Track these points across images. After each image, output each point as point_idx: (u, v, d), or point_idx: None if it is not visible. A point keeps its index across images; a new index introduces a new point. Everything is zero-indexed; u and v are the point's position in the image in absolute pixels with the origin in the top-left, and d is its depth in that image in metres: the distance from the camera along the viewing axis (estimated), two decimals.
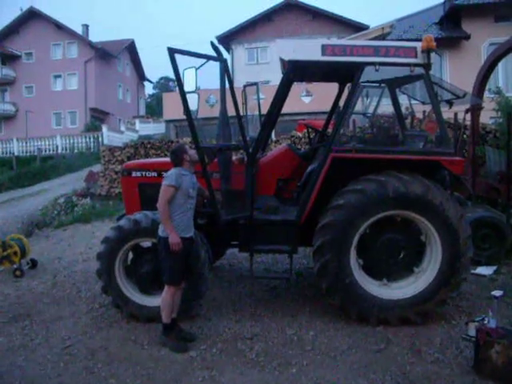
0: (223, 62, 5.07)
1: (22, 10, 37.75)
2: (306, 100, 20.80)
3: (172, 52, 4.45)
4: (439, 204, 4.77)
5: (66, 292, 6.56)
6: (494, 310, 4.02)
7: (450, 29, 20.59)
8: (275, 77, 16.08)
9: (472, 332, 4.09)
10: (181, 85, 4.60)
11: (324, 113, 14.48)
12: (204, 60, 4.80)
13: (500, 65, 9.43)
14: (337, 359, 4.35)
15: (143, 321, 5.16)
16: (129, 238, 5.09)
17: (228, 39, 31.46)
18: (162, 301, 4.59)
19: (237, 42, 31.53)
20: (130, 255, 5.33)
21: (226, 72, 5.06)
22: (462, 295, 5.61)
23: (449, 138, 5.03)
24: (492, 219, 7.11)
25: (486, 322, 4.09)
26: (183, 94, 4.58)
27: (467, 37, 19.82)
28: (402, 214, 4.95)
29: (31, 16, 37.41)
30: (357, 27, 29.33)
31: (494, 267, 6.73)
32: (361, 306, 4.92)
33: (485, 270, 6.59)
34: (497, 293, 4.12)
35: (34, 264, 7.98)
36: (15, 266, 7.56)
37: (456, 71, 19.01)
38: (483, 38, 19.54)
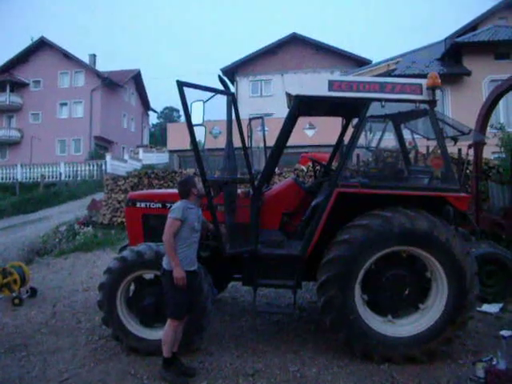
0: (231, 96, 5.14)
1: (32, 39, 38.66)
2: (309, 133, 21.00)
3: (181, 85, 4.51)
4: (445, 240, 4.74)
5: (65, 322, 6.46)
6: (503, 351, 3.94)
7: (452, 65, 21.02)
8: (279, 109, 16.30)
9: (480, 373, 4.00)
10: (188, 117, 4.64)
11: (326, 146, 14.66)
12: (212, 93, 4.87)
13: (501, 101, 9.54)
14: None
15: (143, 354, 5.05)
16: (132, 269, 5.04)
17: (232, 71, 32.04)
18: (164, 334, 4.51)
19: (241, 74, 32.11)
20: (132, 287, 5.27)
21: (233, 105, 5.12)
22: (467, 333, 5.49)
23: (454, 174, 5.04)
24: (497, 255, 7.03)
25: (494, 362, 4.00)
26: (191, 127, 4.62)
27: (468, 73, 20.21)
28: (407, 249, 4.91)
29: (41, 45, 38.23)
30: (359, 61, 29.99)
31: (500, 305, 6.62)
32: (365, 343, 4.83)
33: (491, 308, 6.48)
34: (505, 333, 4.05)
35: (33, 292, 7.89)
36: (14, 295, 7.48)
37: (458, 106, 19.28)
38: (484, 74, 19.92)
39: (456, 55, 20.96)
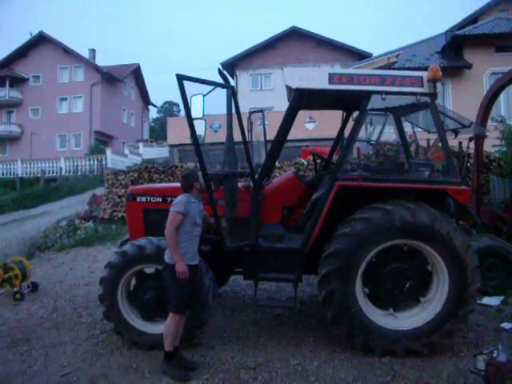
0: (231, 89, 5.11)
1: (31, 34, 38.49)
2: (310, 126, 20.95)
3: (180, 79, 4.49)
4: (446, 233, 4.72)
5: (66, 317, 6.46)
6: (503, 344, 3.94)
7: (452, 58, 20.95)
8: (279, 103, 16.28)
9: (481, 365, 4.00)
10: (188, 111, 4.62)
11: (326, 139, 14.62)
12: (212, 87, 4.84)
13: (502, 94, 9.49)
14: None
15: (145, 348, 5.07)
16: (133, 263, 5.03)
17: (232, 65, 31.92)
18: (165, 328, 4.51)
19: (241, 68, 32.01)
20: (133, 281, 5.27)
21: (233, 99, 5.09)
22: (468, 326, 5.49)
23: (455, 167, 5.02)
24: (498, 248, 7.04)
25: (494, 355, 4.00)
26: (190, 121, 4.60)
27: (469, 66, 20.14)
28: (408, 243, 4.90)
29: (40, 40, 38.10)
30: (360, 55, 29.90)
31: (501, 297, 6.63)
32: (366, 337, 4.83)
33: (491, 301, 6.48)
34: (506, 325, 4.04)
35: (34, 287, 7.90)
36: (15, 289, 7.48)
37: (458, 99, 19.24)
38: (485, 67, 19.85)
39: (457, 48, 20.87)
